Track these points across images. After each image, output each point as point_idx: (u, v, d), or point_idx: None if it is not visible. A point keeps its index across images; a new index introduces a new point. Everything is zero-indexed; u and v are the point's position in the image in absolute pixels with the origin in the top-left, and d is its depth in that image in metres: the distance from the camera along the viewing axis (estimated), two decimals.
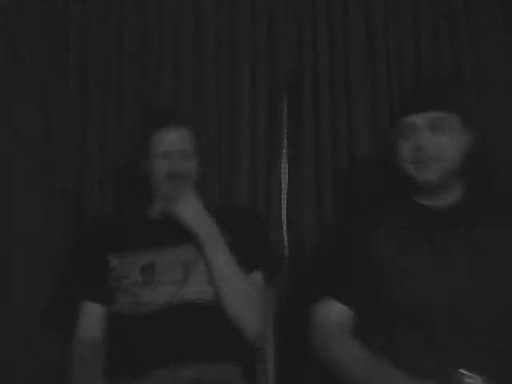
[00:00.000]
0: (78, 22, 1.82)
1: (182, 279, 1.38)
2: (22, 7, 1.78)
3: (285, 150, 1.80)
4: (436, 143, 1.25)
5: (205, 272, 1.39)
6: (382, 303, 1.25)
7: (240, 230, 1.46)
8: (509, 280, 1.20)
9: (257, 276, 1.45)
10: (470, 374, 1.10)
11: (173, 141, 1.48)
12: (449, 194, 1.30)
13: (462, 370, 1.11)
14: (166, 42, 1.81)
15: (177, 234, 1.43)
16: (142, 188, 1.56)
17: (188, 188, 1.48)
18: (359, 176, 1.74)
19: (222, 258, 1.39)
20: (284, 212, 1.76)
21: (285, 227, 1.76)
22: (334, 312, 1.30)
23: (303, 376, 1.63)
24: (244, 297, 1.39)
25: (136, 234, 1.48)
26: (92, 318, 1.42)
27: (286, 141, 1.80)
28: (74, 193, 1.76)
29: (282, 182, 1.78)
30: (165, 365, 1.31)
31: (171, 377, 1.30)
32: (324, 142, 1.76)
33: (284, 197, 1.77)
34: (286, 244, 1.75)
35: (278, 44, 1.80)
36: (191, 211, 1.42)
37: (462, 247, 1.24)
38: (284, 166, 1.79)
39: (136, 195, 1.63)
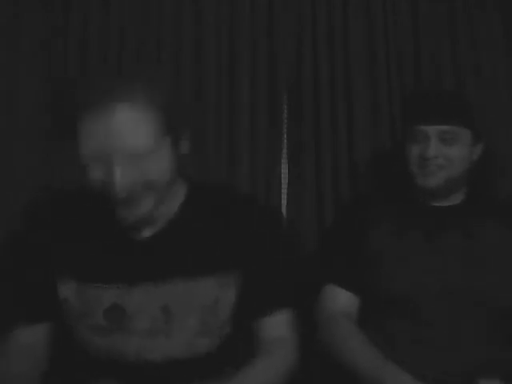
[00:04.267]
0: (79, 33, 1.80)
1: (164, 329, 1.03)
2: None
3: (285, 150, 1.80)
4: (445, 154, 1.32)
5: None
6: (378, 292, 1.30)
7: (259, 258, 1.08)
8: (500, 271, 1.28)
9: (285, 317, 1.12)
10: (488, 381, 1.14)
11: (108, 137, 0.86)
12: (452, 197, 1.39)
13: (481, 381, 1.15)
14: (165, 41, 1.80)
15: (157, 262, 1.03)
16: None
17: (157, 198, 0.95)
18: (359, 175, 1.75)
19: None
20: (284, 212, 1.76)
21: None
22: (340, 299, 1.33)
23: (304, 375, 1.63)
24: None
25: (98, 256, 1.04)
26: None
27: (285, 141, 1.80)
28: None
29: (282, 182, 1.78)
30: None
31: None
32: (324, 141, 1.76)
33: (284, 197, 1.77)
34: None
35: (278, 44, 1.80)
36: None
37: (458, 240, 1.32)
38: (284, 166, 1.79)
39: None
